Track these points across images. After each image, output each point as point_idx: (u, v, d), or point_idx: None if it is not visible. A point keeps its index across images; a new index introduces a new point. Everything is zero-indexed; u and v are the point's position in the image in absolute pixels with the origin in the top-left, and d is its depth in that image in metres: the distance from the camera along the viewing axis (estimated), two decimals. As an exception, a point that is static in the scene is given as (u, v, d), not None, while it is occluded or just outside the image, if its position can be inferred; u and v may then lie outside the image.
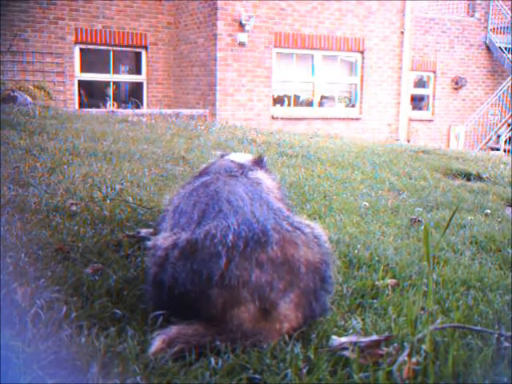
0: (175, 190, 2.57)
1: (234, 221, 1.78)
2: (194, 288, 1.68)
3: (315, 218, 3.16)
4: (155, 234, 2.61)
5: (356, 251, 2.63)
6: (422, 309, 1.90)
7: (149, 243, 1.93)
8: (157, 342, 1.58)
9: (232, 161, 2.51)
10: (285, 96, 13.67)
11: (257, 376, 1.51)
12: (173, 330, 1.63)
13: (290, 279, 1.71)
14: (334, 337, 1.71)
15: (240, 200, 1.92)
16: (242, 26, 12.22)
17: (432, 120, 15.96)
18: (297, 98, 13.92)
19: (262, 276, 1.66)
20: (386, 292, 2.17)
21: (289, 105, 13.72)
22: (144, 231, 2.63)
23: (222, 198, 1.96)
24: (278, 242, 1.73)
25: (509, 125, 16.01)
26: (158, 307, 1.77)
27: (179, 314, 1.70)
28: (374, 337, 1.71)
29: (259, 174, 2.37)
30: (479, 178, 5.49)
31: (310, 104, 13.90)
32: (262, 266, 1.68)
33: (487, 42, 16.29)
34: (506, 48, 15.95)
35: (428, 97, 16.13)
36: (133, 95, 13.53)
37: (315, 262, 1.78)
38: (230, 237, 1.71)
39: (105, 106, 12.86)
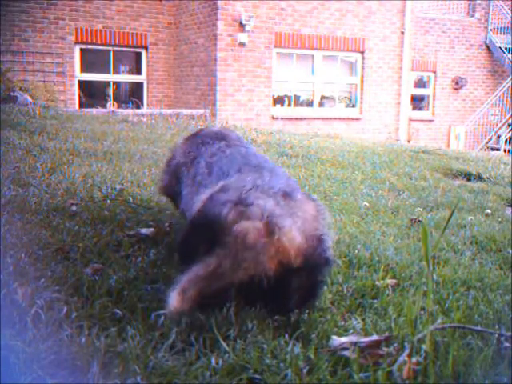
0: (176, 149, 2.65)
1: (268, 174, 2.00)
2: (214, 212, 1.80)
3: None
4: (156, 233, 2.62)
5: (356, 251, 2.63)
6: (422, 309, 1.89)
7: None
8: (174, 297, 1.63)
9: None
10: (285, 96, 13.66)
11: (257, 376, 1.51)
12: (182, 279, 1.68)
13: (299, 217, 1.82)
14: (334, 337, 1.72)
15: (269, 162, 2.23)
16: (242, 26, 12.22)
17: (432, 120, 15.95)
18: (297, 98, 13.91)
19: (275, 208, 1.79)
20: (386, 292, 2.17)
21: (289, 105, 13.71)
22: (144, 231, 2.63)
23: (256, 158, 2.23)
24: (301, 200, 1.90)
25: (509, 125, 16.00)
26: (183, 248, 1.92)
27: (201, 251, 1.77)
28: (374, 337, 1.71)
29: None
30: (479, 177, 5.48)
31: (310, 104, 13.89)
32: (279, 202, 1.82)
33: (487, 42, 16.28)
34: (506, 48, 15.93)
35: (428, 97, 16.12)
36: (133, 95, 13.52)
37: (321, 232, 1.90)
38: (259, 181, 1.90)
39: (104, 106, 12.85)
